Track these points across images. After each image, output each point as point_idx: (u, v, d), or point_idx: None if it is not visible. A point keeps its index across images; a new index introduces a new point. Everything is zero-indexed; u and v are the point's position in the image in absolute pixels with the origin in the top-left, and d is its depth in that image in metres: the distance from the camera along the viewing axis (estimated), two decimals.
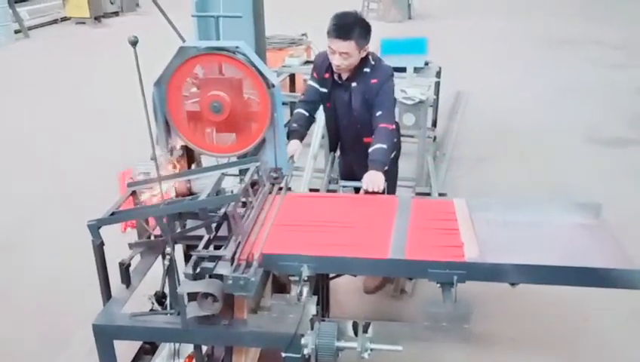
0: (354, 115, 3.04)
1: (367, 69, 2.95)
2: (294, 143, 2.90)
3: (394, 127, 2.93)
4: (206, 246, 1.93)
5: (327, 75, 3.04)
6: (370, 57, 2.97)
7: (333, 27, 2.81)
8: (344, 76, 2.99)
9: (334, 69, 2.94)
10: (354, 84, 2.97)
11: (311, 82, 3.15)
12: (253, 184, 2.27)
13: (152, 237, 2.19)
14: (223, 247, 1.92)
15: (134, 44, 1.71)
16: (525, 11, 13.01)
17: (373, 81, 2.93)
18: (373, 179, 2.61)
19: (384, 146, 2.77)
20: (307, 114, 3.10)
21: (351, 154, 3.25)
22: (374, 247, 1.99)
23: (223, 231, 2.07)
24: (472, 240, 1.99)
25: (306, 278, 1.88)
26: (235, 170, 2.32)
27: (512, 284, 1.94)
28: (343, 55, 2.83)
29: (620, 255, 1.94)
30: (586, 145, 5.79)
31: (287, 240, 2.03)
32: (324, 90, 3.08)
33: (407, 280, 3.54)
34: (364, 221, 2.19)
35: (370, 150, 2.79)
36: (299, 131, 3.00)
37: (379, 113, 2.88)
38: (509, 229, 2.12)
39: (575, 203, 2.24)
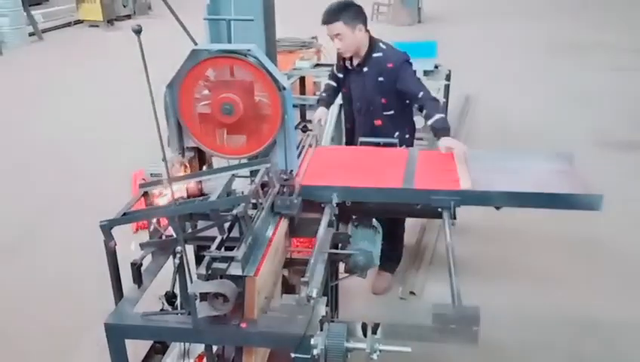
0: (366, 99, 3.21)
1: (378, 54, 3.11)
2: (321, 110, 3.31)
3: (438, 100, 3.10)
4: (219, 247, 1.95)
5: (342, 64, 3.29)
6: (380, 43, 3.14)
7: (323, 17, 3.04)
8: (355, 62, 3.17)
9: (338, 53, 3.23)
10: (365, 69, 3.14)
11: (334, 67, 3.46)
12: (264, 185, 2.28)
13: (164, 237, 2.21)
14: (235, 248, 1.93)
15: (138, 33, 1.71)
16: (535, 15, 12.94)
17: (390, 65, 3.08)
18: (451, 145, 2.76)
19: (443, 115, 2.94)
20: (335, 84, 3.44)
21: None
22: (390, 181, 2.48)
23: (236, 233, 2.09)
24: (466, 176, 2.47)
25: (335, 204, 2.32)
26: (245, 172, 2.34)
27: (497, 208, 2.40)
28: (338, 37, 3.05)
29: (582, 186, 2.41)
30: (598, 149, 5.73)
31: (320, 176, 2.54)
32: (341, 75, 3.34)
33: (416, 282, 3.54)
34: (381, 164, 2.69)
35: (430, 122, 2.93)
36: (326, 100, 3.41)
37: (421, 94, 3.01)
38: (497, 171, 2.57)
39: (553, 153, 2.76)
